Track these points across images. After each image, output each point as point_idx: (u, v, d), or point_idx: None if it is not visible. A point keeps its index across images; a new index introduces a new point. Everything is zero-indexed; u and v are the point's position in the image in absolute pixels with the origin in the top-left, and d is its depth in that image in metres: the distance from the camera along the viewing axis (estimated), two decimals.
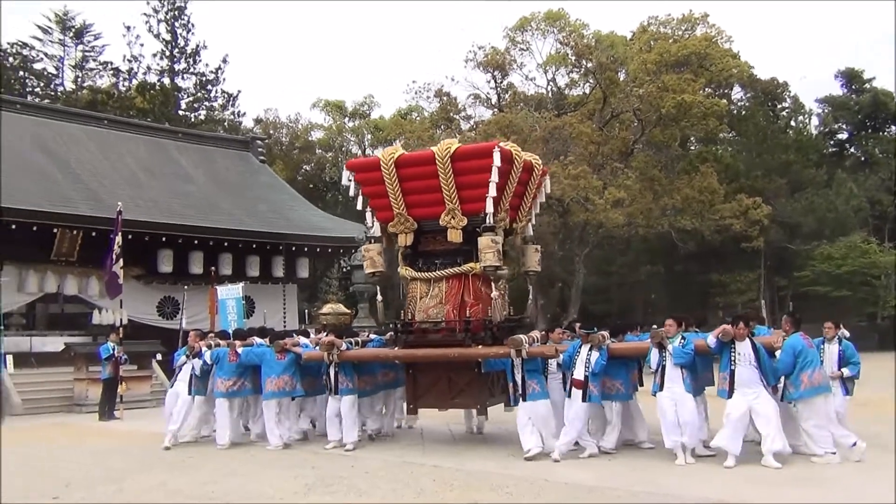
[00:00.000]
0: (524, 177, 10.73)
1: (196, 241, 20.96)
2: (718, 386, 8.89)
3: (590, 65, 29.01)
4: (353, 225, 23.36)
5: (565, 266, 30.11)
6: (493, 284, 10.42)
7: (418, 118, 37.85)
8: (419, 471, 8.77)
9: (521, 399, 9.45)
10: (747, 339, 8.54)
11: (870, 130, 44.09)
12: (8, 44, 39.21)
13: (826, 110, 44.45)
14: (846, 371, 9.36)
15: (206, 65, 40.62)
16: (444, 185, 10.06)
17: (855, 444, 8.52)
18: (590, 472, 8.37)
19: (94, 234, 18.45)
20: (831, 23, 67.38)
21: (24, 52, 39.68)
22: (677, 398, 8.82)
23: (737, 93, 39.00)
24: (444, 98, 32.17)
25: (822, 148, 41.78)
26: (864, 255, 31.96)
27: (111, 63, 41.06)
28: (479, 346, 9.99)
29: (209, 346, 11.42)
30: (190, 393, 11.47)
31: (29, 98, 34.91)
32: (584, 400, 9.13)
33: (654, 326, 9.80)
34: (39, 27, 40.12)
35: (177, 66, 40.07)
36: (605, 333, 9.55)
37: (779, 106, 41.55)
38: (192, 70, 40.43)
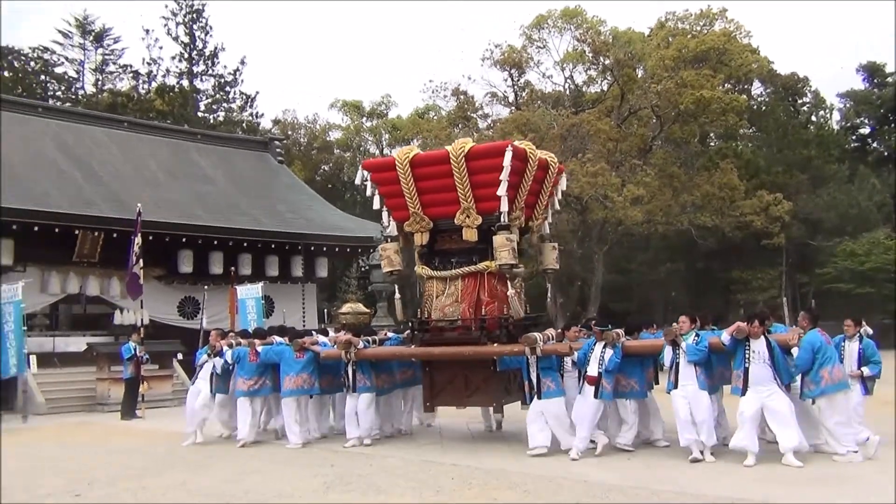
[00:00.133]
0: (539, 175, 10.73)
1: (216, 242, 21.08)
2: (732, 383, 8.83)
3: (607, 62, 28.89)
4: (371, 224, 23.40)
5: (585, 264, 30.01)
6: (509, 283, 10.41)
7: (436, 117, 37.87)
8: (438, 469, 8.78)
9: (535, 397, 9.44)
10: (762, 337, 8.47)
11: (892, 125, 43.46)
12: (30, 48, 39.77)
13: (848, 105, 43.91)
14: (866, 370, 9.20)
15: (225, 66, 40.94)
16: (458, 184, 10.10)
17: (868, 438, 8.46)
18: (608, 471, 8.34)
19: (115, 235, 18.60)
20: (852, 16, 66.62)
21: (46, 56, 40.17)
22: (691, 396, 8.78)
23: (756, 88, 38.70)
24: (462, 97, 32.17)
25: (844, 143, 41.29)
26: (887, 251, 31.49)
27: (131, 66, 41.51)
28: (495, 344, 10.00)
29: (230, 345, 11.53)
30: (211, 391, 11.61)
31: (51, 102, 35.32)
32: (595, 396, 9.11)
33: (677, 324, 9.74)
34: (60, 31, 40.62)
35: (195, 69, 40.37)
36: (620, 331, 9.51)
37: (799, 101, 41.15)
38: (210, 72, 40.71)
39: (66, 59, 40.92)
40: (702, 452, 8.70)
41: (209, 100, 41.19)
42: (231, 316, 18.68)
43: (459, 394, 10.58)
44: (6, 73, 38.38)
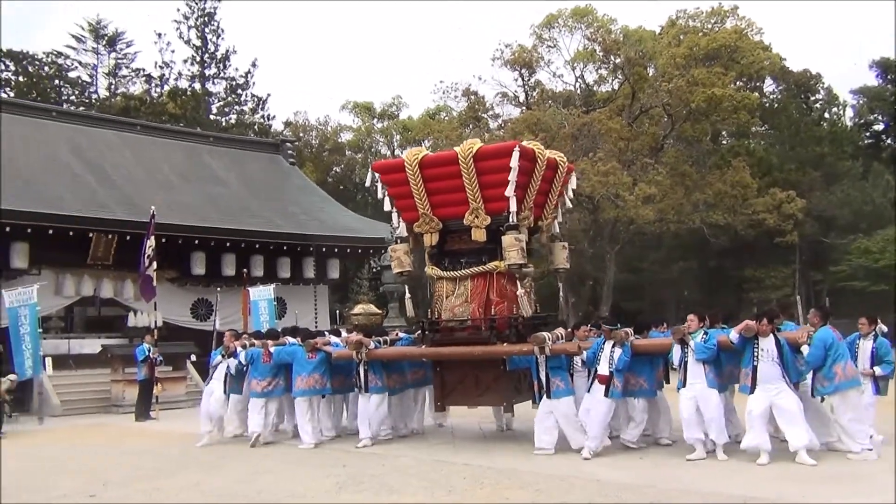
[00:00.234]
0: (549, 174, 10.76)
1: (228, 244, 21.18)
2: (741, 382, 8.81)
3: (618, 60, 28.82)
4: (382, 225, 23.43)
5: (596, 263, 29.95)
6: (518, 282, 10.43)
7: (446, 118, 37.89)
8: (450, 469, 8.80)
9: (545, 396, 9.47)
10: (771, 336, 8.44)
11: None
12: (44, 53, 40.06)
13: (861, 101, 43.55)
14: (878, 370, 9.12)
15: (236, 69, 41.04)
16: (467, 184, 10.16)
17: (871, 437, 8.43)
18: (620, 470, 8.33)
19: (128, 237, 18.72)
20: (865, 12, 66.13)
21: (60, 61, 40.46)
22: (699, 394, 8.76)
23: (769, 85, 38.42)
24: (472, 97, 32.16)
25: (858, 139, 40.94)
26: None
27: (143, 70, 41.74)
28: (504, 344, 10.03)
29: (244, 346, 11.62)
30: (225, 392, 11.72)
31: (65, 106, 35.58)
32: (605, 395, 9.11)
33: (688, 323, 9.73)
34: (73, 36, 40.95)
35: (207, 72, 40.50)
36: (629, 330, 9.53)
37: (812, 98, 40.83)
38: (222, 75, 40.83)
39: (80, 63, 41.29)
40: (713, 451, 8.68)
41: (221, 102, 41.34)
42: (244, 317, 18.79)
43: (470, 393, 10.64)
44: (20, 79, 38.70)
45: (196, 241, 20.57)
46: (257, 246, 21.77)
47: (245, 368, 11.55)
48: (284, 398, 11.61)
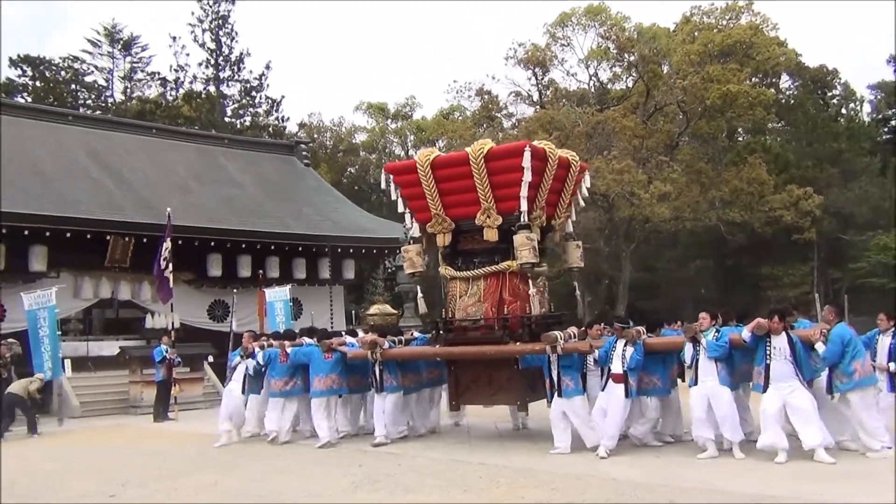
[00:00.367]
0: (560, 173, 10.77)
1: (244, 245, 21.28)
2: (754, 380, 8.76)
3: (632, 58, 28.77)
4: (397, 226, 23.45)
5: (612, 262, 29.90)
6: (530, 281, 10.43)
7: (460, 118, 37.95)
8: (466, 468, 8.79)
9: (556, 395, 9.49)
10: (783, 333, 8.38)
11: None
12: (60, 58, 40.45)
13: (879, 96, 43.16)
14: (892, 366, 9.02)
15: (250, 72, 41.31)
16: (478, 184, 10.20)
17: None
18: (635, 469, 8.30)
19: (145, 240, 18.84)
20: (882, 6, 65.52)
21: (76, 65, 40.84)
22: (711, 392, 8.73)
23: (785, 81, 38.18)
24: (486, 96, 32.21)
25: (876, 135, 40.55)
26: None
27: (158, 73, 42.11)
28: (517, 343, 10.04)
29: (262, 347, 11.71)
30: (244, 392, 11.84)
31: (81, 110, 35.91)
32: (626, 396, 9.08)
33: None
34: (89, 41, 41.36)
35: (222, 74, 40.76)
36: (641, 328, 9.50)
37: (829, 93, 40.49)
38: (236, 77, 41.10)
39: (96, 67, 41.71)
40: (729, 449, 8.64)
41: (236, 105, 41.60)
42: (260, 318, 18.87)
43: (484, 392, 10.70)
44: (38, 84, 39.10)
45: (212, 243, 20.67)
46: (273, 247, 21.86)
47: (263, 369, 11.66)
48: (303, 398, 11.67)
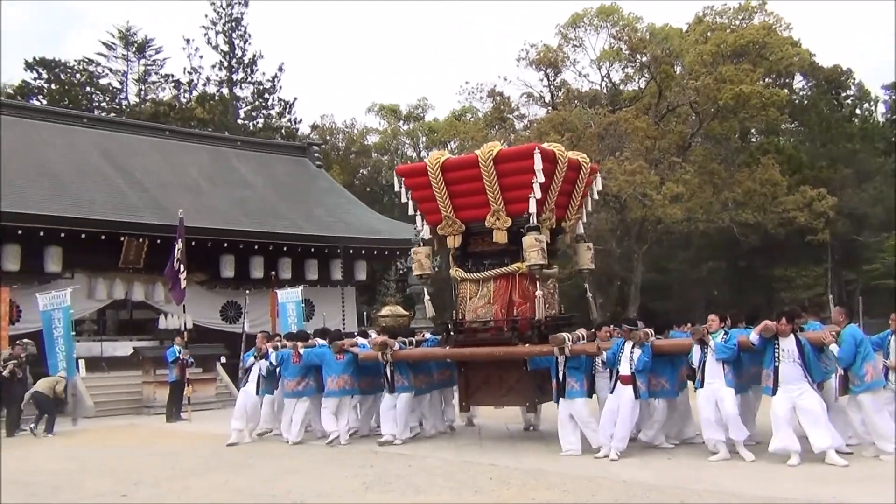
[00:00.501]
0: (571, 175, 10.80)
1: (256, 247, 21.37)
2: (763, 383, 8.73)
3: (644, 59, 28.70)
4: (409, 227, 23.39)
5: (624, 263, 29.82)
6: (538, 283, 10.45)
7: (472, 119, 37.94)
8: (477, 469, 8.80)
9: (561, 396, 9.53)
10: (791, 336, 8.34)
11: None
12: (75, 61, 40.73)
13: (893, 97, 42.84)
14: None
15: (263, 74, 41.43)
16: (488, 187, 10.26)
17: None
18: (647, 470, 8.29)
19: (158, 241, 18.94)
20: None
21: (91, 68, 41.13)
22: (717, 393, 8.71)
23: (798, 82, 37.95)
24: (498, 98, 32.21)
25: (890, 135, 40.24)
26: None
27: (172, 76, 42.31)
28: (526, 345, 10.06)
29: (275, 348, 11.80)
30: (258, 393, 11.96)
31: (96, 112, 36.17)
32: (635, 397, 9.07)
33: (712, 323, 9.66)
34: (104, 44, 41.60)
35: (235, 77, 40.92)
36: (649, 330, 9.49)
37: (843, 94, 40.23)
38: (249, 79, 41.25)
39: (111, 70, 41.94)
40: (734, 449, 8.63)
41: (248, 107, 41.76)
42: (272, 319, 18.95)
43: (494, 393, 10.77)
44: (53, 86, 39.40)
45: (225, 244, 20.77)
46: (285, 248, 21.94)
47: (276, 369, 11.75)
48: (315, 398, 11.72)
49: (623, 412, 9.10)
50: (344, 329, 19.91)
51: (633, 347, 9.18)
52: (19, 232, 17.42)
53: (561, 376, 9.53)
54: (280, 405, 12.05)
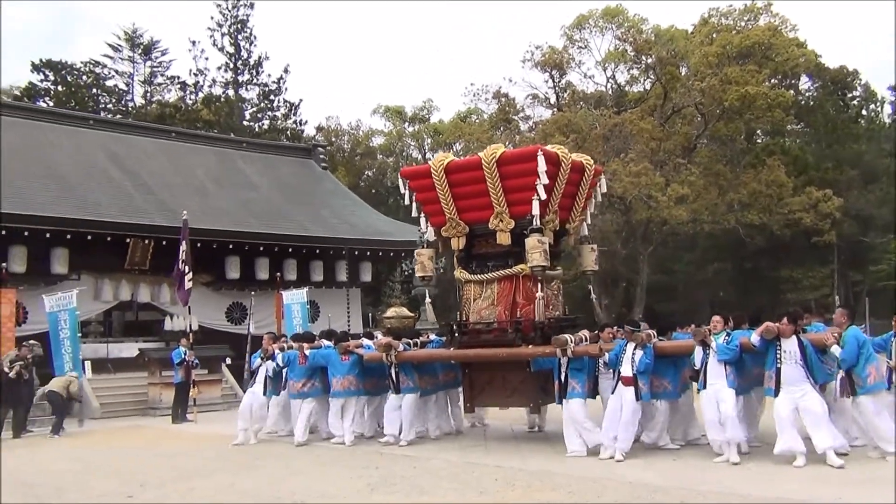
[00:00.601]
0: (574, 177, 10.81)
1: (262, 248, 21.40)
2: (765, 384, 8.71)
3: (650, 60, 28.69)
4: (414, 229, 23.34)
5: (629, 265, 29.79)
6: (541, 285, 10.45)
7: (477, 121, 37.95)
8: (482, 471, 8.80)
9: (563, 398, 9.55)
10: (793, 337, 8.32)
11: None
12: (81, 63, 40.85)
13: None
14: None
15: (269, 75, 41.47)
16: (491, 189, 10.30)
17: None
18: (652, 472, 8.28)
19: (164, 242, 18.98)
20: None
21: (97, 70, 41.25)
22: (718, 394, 8.70)
23: (804, 83, 37.88)
24: (503, 99, 32.21)
25: None
26: None
27: (178, 77, 42.35)
28: (529, 346, 10.07)
29: (281, 349, 11.85)
30: (265, 394, 12.01)
31: (102, 114, 36.27)
32: (637, 399, 9.07)
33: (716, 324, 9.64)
34: (110, 45, 41.69)
35: (240, 78, 40.96)
36: (651, 332, 9.48)
37: (849, 95, 40.14)
38: (255, 81, 41.28)
39: (117, 72, 42.03)
40: (748, 452, 8.60)
41: (254, 108, 41.81)
42: (277, 321, 18.98)
43: (499, 394, 10.79)
44: (59, 88, 39.54)
45: (230, 246, 20.81)
46: (290, 250, 21.98)
47: (281, 370, 11.79)
48: (320, 399, 11.75)
49: (625, 414, 9.11)
50: (349, 330, 19.94)
51: (634, 349, 9.19)
52: (26, 233, 17.48)
53: (563, 377, 9.55)
54: (287, 407, 12.10)
